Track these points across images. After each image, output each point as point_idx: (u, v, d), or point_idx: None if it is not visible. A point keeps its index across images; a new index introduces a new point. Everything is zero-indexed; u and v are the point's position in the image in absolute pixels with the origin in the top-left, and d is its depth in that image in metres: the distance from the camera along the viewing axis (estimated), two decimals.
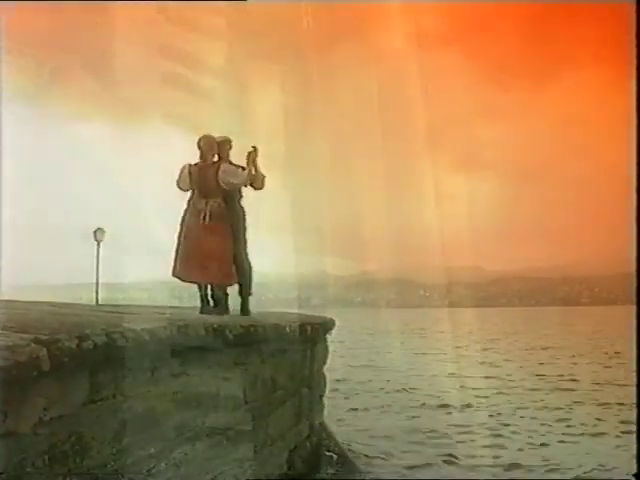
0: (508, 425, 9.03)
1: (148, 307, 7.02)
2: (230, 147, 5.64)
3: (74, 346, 2.54)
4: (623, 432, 8.00)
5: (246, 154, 5.52)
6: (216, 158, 5.53)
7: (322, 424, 6.46)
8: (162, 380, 3.29)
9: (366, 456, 7.05)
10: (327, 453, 6.33)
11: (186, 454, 3.49)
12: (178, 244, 5.37)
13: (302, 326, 5.37)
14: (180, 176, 5.52)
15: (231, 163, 5.60)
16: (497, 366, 18.17)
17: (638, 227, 3.47)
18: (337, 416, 9.07)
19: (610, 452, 7.36)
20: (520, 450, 7.63)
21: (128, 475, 2.97)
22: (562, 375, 15.49)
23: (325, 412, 6.59)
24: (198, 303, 5.47)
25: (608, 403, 10.91)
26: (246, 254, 5.65)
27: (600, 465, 6.88)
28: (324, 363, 6.42)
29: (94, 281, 22.59)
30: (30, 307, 4.69)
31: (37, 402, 2.43)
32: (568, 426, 9.01)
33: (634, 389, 4.13)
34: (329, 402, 6.95)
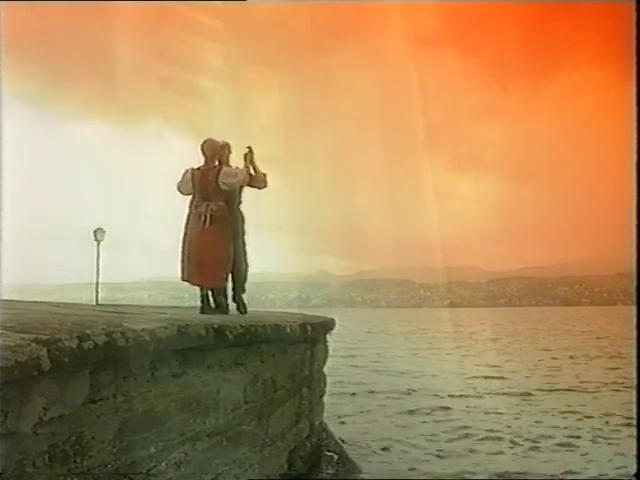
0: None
1: (148, 307, 7.02)
2: (229, 151, 5.71)
3: (74, 346, 2.54)
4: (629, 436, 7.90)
5: (243, 155, 5.60)
6: (216, 162, 5.59)
7: (322, 424, 6.46)
8: (162, 380, 3.29)
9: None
10: (327, 453, 6.33)
11: (186, 454, 3.49)
12: (183, 248, 5.44)
13: (302, 326, 5.37)
14: (182, 180, 5.57)
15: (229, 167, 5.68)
16: (497, 366, 18.13)
17: (638, 227, 3.47)
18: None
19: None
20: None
21: (128, 475, 2.97)
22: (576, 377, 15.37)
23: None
24: (199, 303, 5.52)
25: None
26: (245, 257, 5.73)
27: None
28: (324, 363, 6.41)
29: (94, 281, 22.62)
30: (30, 307, 4.69)
31: (37, 402, 2.44)
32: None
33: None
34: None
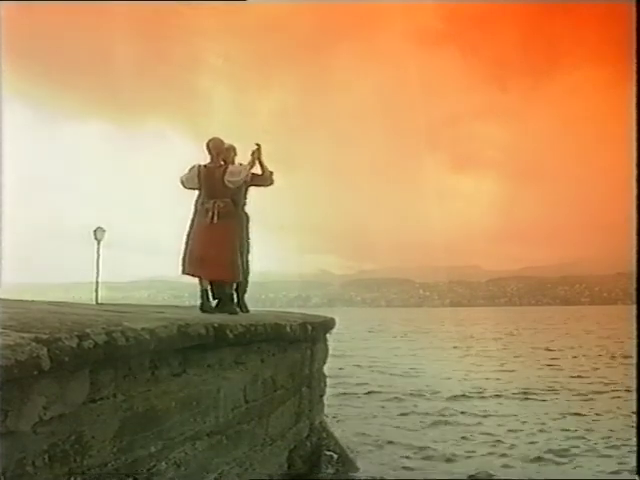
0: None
1: (148, 306, 7.01)
2: (235, 154, 5.81)
3: (74, 345, 2.54)
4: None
5: (250, 152, 5.64)
6: (222, 162, 5.67)
7: (322, 423, 6.46)
8: (162, 379, 3.29)
9: None
10: (327, 452, 6.33)
11: (186, 453, 3.49)
12: (187, 243, 5.49)
13: (303, 325, 5.37)
14: (188, 175, 5.64)
15: None
16: (498, 366, 18.11)
17: (638, 226, 3.47)
18: None
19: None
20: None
21: (128, 474, 2.97)
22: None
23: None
24: (198, 303, 5.52)
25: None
26: (247, 257, 5.81)
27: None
28: (324, 362, 6.41)
29: (94, 280, 22.61)
30: (30, 306, 4.69)
31: (37, 401, 2.44)
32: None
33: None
34: None
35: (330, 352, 6.68)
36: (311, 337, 5.71)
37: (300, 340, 5.39)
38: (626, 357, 18.87)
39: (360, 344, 27.70)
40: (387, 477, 6.47)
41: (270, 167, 5.80)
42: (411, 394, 12.16)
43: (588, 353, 22.66)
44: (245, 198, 5.81)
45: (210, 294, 5.60)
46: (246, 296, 5.98)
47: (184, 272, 5.53)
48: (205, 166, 5.61)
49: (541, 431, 8.69)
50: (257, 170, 5.76)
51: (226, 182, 5.50)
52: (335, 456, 6.34)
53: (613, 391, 12.54)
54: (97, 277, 22.52)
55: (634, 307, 3.59)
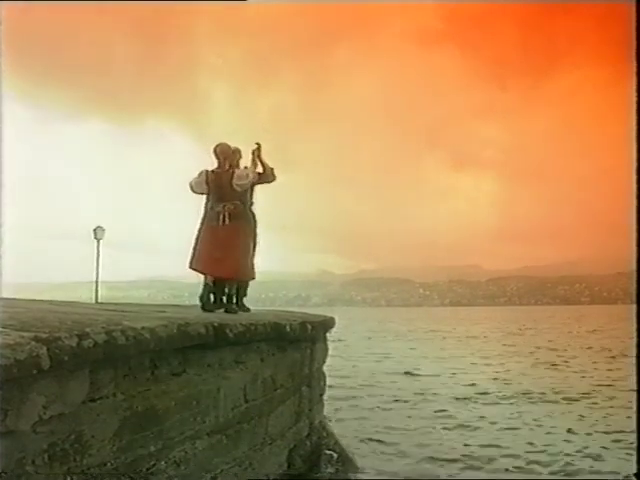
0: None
1: (148, 305, 7.02)
2: (240, 156, 5.95)
3: (74, 344, 2.54)
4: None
5: (250, 151, 5.82)
6: (228, 166, 5.81)
7: (322, 423, 6.46)
8: (162, 379, 3.29)
9: None
10: (327, 452, 6.33)
11: (186, 453, 3.49)
12: (195, 244, 5.65)
13: (302, 325, 5.37)
14: (197, 180, 5.80)
15: None
16: (500, 368, 18.07)
17: (638, 226, 3.47)
18: None
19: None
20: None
21: (128, 474, 2.97)
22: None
23: None
24: (198, 302, 5.54)
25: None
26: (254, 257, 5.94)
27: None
28: (324, 362, 6.41)
29: (94, 279, 22.59)
30: (30, 305, 4.69)
31: (37, 400, 2.43)
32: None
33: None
34: None
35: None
36: (311, 336, 5.71)
37: (300, 339, 5.38)
38: (625, 356, 18.88)
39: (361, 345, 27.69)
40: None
41: (270, 166, 5.92)
42: (409, 399, 11.98)
43: (590, 353, 22.63)
44: (252, 198, 5.98)
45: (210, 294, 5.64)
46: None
47: (191, 267, 5.65)
48: (213, 171, 5.76)
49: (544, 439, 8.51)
50: (259, 168, 5.90)
51: (234, 186, 5.67)
52: (335, 455, 6.34)
53: (616, 390, 12.50)
54: (97, 276, 22.52)
55: (634, 307, 3.59)
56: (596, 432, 8.68)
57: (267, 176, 5.88)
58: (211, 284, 5.60)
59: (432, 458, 7.34)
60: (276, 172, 6.00)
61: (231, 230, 5.58)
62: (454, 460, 7.23)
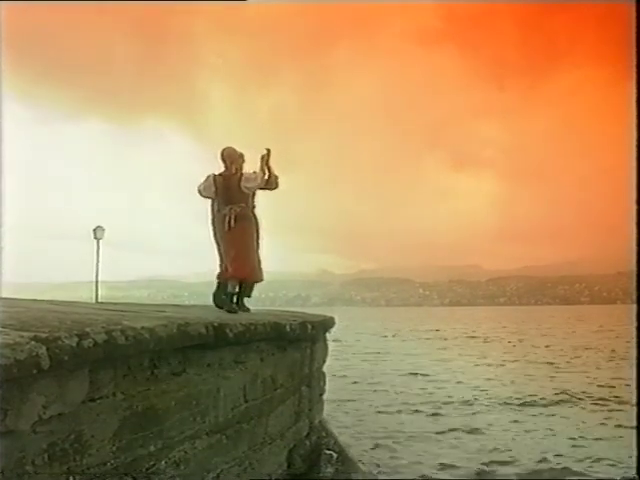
0: None
1: (148, 305, 7.01)
2: (243, 160, 6.04)
3: (74, 344, 2.54)
4: None
5: (259, 156, 5.88)
6: (234, 169, 5.95)
7: (322, 422, 6.46)
8: (162, 378, 3.29)
9: None
10: (327, 452, 6.33)
11: (186, 452, 3.49)
12: (219, 252, 5.85)
13: (302, 324, 5.37)
14: (205, 184, 5.97)
15: None
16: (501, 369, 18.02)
17: (638, 226, 3.47)
18: None
19: None
20: None
21: (128, 473, 2.97)
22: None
23: None
24: (198, 302, 5.56)
25: None
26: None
27: None
28: (324, 362, 6.41)
29: (93, 279, 22.59)
30: (30, 305, 4.69)
31: (37, 400, 2.43)
32: None
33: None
34: None
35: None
36: (311, 336, 5.71)
37: (300, 339, 5.38)
38: (623, 359, 18.82)
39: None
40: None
41: (275, 174, 5.99)
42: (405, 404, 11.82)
43: (593, 353, 22.57)
44: (254, 201, 6.07)
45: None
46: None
47: (223, 279, 5.83)
48: (220, 174, 5.91)
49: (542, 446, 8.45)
50: (265, 174, 5.98)
51: (243, 188, 5.83)
52: (335, 455, 6.34)
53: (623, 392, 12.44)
54: (97, 276, 22.52)
55: (634, 306, 3.58)
56: (606, 434, 8.59)
57: (271, 183, 5.97)
58: (232, 288, 5.76)
59: (444, 465, 7.29)
60: (276, 171, 6.05)
61: (239, 232, 5.73)
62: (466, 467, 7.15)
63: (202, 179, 6.04)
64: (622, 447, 7.72)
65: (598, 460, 7.48)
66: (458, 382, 14.78)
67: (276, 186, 6.02)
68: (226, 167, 5.93)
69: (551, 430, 9.19)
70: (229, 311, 5.51)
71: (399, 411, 10.78)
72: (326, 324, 6.36)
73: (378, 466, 7.22)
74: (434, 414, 10.54)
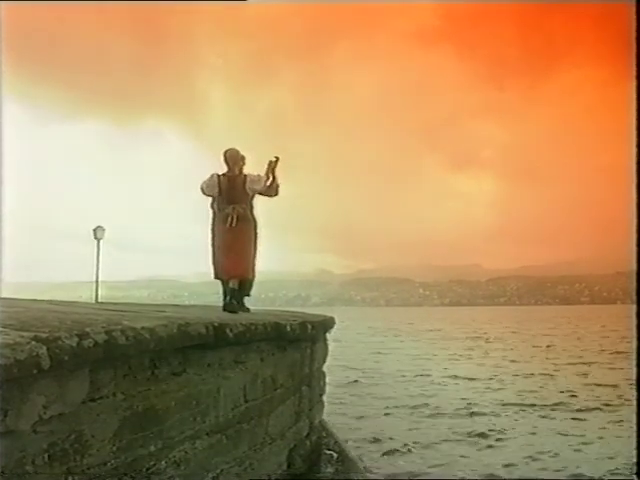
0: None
1: (148, 305, 7.02)
2: (244, 162, 6.15)
3: (74, 344, 2.53)
4: None
5: (267, 162, 6.01)
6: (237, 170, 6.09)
7: (322, 422, 6.47)
8: (162, 378, 3.29)
9: None
10: (327, 451, 6.34)
11: (186, 452, 3.49)
12: (213, 250, 5.97)
13: (302, 324, 5.37)
14: (208, 182, 6.07)
15: None
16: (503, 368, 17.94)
17: (638, 226, 3.47)
18: None
19: None
20: None
21: (128, 473, 2.97)
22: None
23: None
24: (198, 302, 5.58)
25: None
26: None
27: None
28: (324, 361, 6.42)
29: (94, 279, 22.59)
30: (30, 305, 4.69)
31: (37, 400, 2.43)
32: None
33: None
34: None
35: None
36: (311, 336, 5.71)
37: (300, 339, 5.39)
38: (627, 359, 18.72)
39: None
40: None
41: (278, 182, 6.07)
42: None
43: (597, 353, 22.48)
44: (252, 203, 6.16)
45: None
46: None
47: (216, 277, 5.96)
48: (224, 175, 6.03)
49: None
50: (269, 180, 6.10)
51: (247, 189, 5.97)
52: (335, 455, 6.35)
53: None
54: (97, 276, 22.51)
55: (634, 306, 3.59)
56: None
57: (272, 189, 6.07)
58: (235, 286, 5.84)
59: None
60: (277, 171, 6.12)
61: (239, 232, 5.86)
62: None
63: (202, 178, 6.15)
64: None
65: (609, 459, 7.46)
66: (459, 382, 14.75)
67: (276, 194, 6.13)
68: (229, 168, 6.06)
69: (564, 435, 9.03)
70: (231, 311, 5.54)
71: (398, 412, 10.73)
72: (326, 324, 6.37)
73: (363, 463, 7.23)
74: (432, 415, 10.50)
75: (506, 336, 36.10)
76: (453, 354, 23.08)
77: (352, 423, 9.60)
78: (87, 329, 2.71)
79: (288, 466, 5.08)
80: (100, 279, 22.69)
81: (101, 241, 22.45)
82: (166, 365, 3.33)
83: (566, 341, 30.53)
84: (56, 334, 2.51)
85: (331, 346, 6.66)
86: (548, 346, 26.75)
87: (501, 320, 67.12)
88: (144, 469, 3.10)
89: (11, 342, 2.28)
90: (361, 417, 10.22)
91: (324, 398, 6.50)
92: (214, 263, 5.98)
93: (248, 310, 5.98)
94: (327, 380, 6.53)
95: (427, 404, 11.57)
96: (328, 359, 6.53)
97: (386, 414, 10.66)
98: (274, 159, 5.98)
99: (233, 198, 5.93)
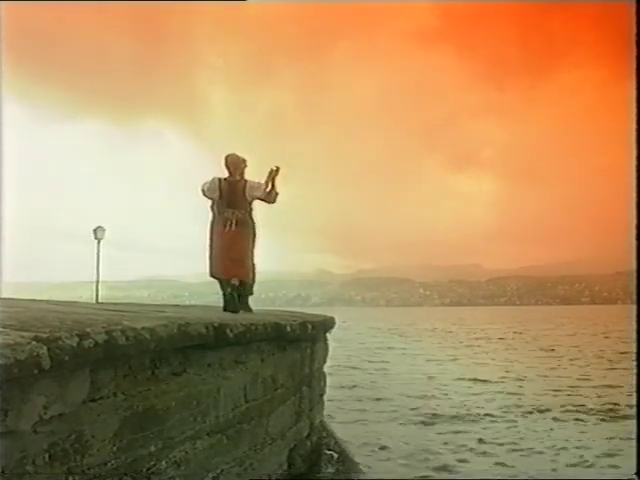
0: None
1: (148, 305, 7.02)
2: (245, 165, 6.27)
3: (74, 344, 2.54)
4: None
5: (268, 170, 6.09)
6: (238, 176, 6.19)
7: (322, 423, 6.47)
8: (163, 378, 3.29)
9: None
10: (327, 452, 6.34)
11: (187, 453, 3.49)
12: (210, 250, 6.07)
13: (303, 324, 5.38)
14: (209, 186, 6.17)
15: None
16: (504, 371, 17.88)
17: (638, 226, 3.47)
18: None
19: None
20: None
21: (128, 473, 2.97)
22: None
23: None
24: (198, 302, 5.61)
25: None
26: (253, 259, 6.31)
27: None
28: (324, 362, 6.42)
29: (94, 279, 22.60)
30: (30, 305, 4.69)
31: (37, 400, 2.43)
32: None
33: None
34: None
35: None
36: (311, 336, 5.71)
37: (300, 339, 5.39)
38: (631, 360, 18.66)
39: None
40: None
41: (269, 166, 6.14)
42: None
43: (600, 355, 22.44)
44: (251, 207, 6.25)
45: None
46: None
47: (212, 275, 6.07)
48: (225, 179, 6.14)
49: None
50: (269, 187, 6.20)
51: (247, 195, 6.09)
52: (335, 455, 6.35)
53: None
54: (97, 276, 22.52)
55: (634, 307, 3.58)
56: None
57: (271, 197, 6.16)
58: (233, 287, 5.97)
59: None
60: (277, 178, 6.19)
61: (237, 235, 5.99)
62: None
63: (202, 178, 6.27)
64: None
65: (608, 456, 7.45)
66: (460, 381, 14.73)
67: (274, 202, 6.23)
68: (230, 173, 6.16)
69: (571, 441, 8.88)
70: (232, 311, 5.59)
71: (399, 415, 10.67)
72: (326, 324, 6.37)
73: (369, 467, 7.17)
74: (432, 414, 10.47)
75: (508, 336, 36.07)
76: (454, 354, 23.04)
77: (350, 427, 9.49)
78: (87, 329, 2.71)
79: (288, 466, 5.08)
80: (100, 279, 22.72)
81: (101, 241, 22.47)
82: (166, 365, 3.34)
83: (568, 341, 30.48)
84: (56, 334, 2.51)
85: (331, 346, 6.66)
86: (552, 349, 26.65)
87: (502, 320, 67.06)
88: (144, 469, 3.10)
89: (11, 342, 2.28)
90: (357, 421, 10.13)
91: (324, 398, 6.51)
92: (210, 261, 6.05)
93: (251, 311, 6.03)
94: (327, 381, 6.52)
95: (429, 406, 11.46)
96: (328, 360, 6.53)
97: (388, 417, 10.60)
98: (274, 168, 6.06)
99: (233, 202, 6.05)
